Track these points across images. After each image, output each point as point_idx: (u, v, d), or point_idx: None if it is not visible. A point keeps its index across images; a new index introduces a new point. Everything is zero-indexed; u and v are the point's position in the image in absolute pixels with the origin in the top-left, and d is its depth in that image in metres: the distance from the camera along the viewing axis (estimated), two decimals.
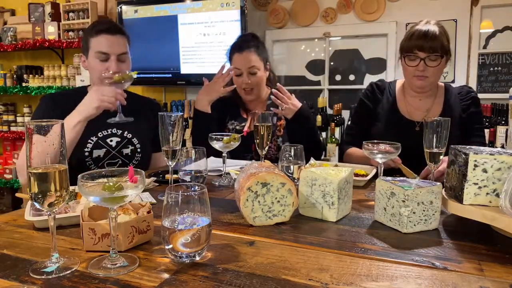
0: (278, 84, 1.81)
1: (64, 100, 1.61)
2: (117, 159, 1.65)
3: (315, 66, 3.45)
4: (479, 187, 0.91)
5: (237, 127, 1.99)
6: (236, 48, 1.94)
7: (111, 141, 1.64)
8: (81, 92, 1.71)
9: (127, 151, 1.67)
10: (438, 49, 1.55)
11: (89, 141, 1.59)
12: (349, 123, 2.16)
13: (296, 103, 1.82)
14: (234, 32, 3.19)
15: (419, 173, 1.42)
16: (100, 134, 1.62)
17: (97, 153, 1.61)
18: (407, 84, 1.74)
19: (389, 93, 1.80)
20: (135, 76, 1.54)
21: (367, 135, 1.74)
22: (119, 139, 1.66)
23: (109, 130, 1.64)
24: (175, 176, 1.24)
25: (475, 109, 1.70)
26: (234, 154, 1.83)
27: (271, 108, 1.82)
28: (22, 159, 1.50)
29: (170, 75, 3.52)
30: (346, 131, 2.01)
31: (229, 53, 1.98)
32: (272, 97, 1.79)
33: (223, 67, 1.89)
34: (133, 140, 1.69)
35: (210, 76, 1.89)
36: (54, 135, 0.72)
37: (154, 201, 1.19)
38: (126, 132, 1.68)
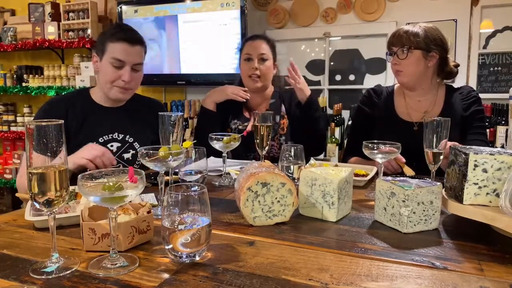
0: (291, 59, 1.83)
1: (66, 105, 1.62)
2: (117, 164, 1.64)
3: (315, 66, 3.45)
4: (479, 187, 0.91)
5: (240, 127, 1.98)
6: (249, 38, 2.01)
7: (111, 146, 1.63)
8: (83, 94, 1.71)
9: (128, 155, 1.67)
10: (406, 42, 1.62)
11: None
12: (349, 132, 2.16)
13: (307, 87, 1.85)
14: (234, 32, 3.19)
15: (419, 173, 1.42)
16: (101, 139, 1.62)
17: None
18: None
19: (386, 96, 1.82)
20: (187, 148, 1.19)
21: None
22: (119, 144, 1.65)
23: (110, 135, 1.64)
24: (175, 176, 1.24)
25: (477, 107, 1.69)
26: (236, 153, 1.83)
27: (285, 77, 1.84)
28: (21, 176, 1.50)
29: (170, 75, 3.52)
30: (347, 141, 2.02)
31: (241, 45, 2.04)
32: (288, 67, 1.81)
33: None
34: (134, 144, 1.68)
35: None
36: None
37: (156, 202, 1.18)
38: (128, 136, 1.67)
